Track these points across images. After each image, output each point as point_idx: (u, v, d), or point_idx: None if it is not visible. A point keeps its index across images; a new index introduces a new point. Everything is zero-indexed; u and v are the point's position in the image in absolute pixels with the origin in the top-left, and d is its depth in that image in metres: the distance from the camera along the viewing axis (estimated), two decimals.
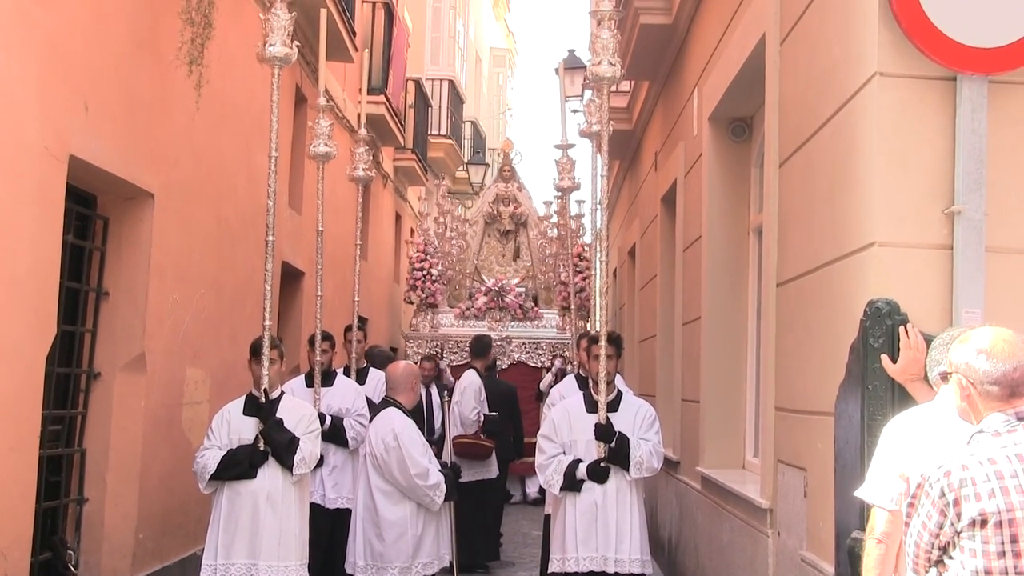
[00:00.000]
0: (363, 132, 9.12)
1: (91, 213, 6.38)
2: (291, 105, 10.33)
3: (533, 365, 13.68)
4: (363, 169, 8.84)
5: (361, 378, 8.55)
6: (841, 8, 4.49)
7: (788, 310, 5.33)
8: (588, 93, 9.44)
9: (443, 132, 19.90)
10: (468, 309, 14.21)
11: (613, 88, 6.51)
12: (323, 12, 7.92)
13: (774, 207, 5.62)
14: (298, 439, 6.06)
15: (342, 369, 8.48)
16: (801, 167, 5.12)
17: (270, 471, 5.99)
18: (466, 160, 22.24)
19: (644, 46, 9.65)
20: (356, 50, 11.85)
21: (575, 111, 14.98)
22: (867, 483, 3.31)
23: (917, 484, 2.76)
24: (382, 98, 13.99)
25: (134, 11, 6.26)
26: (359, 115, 9.37)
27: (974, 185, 3.95)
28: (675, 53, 9.42)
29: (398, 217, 17.96)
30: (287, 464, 5.99)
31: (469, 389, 10.10)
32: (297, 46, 6.32)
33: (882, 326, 3.97)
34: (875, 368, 3.97)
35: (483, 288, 14.30)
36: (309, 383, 7.73)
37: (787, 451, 5.29)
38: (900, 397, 3.86)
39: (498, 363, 13.49)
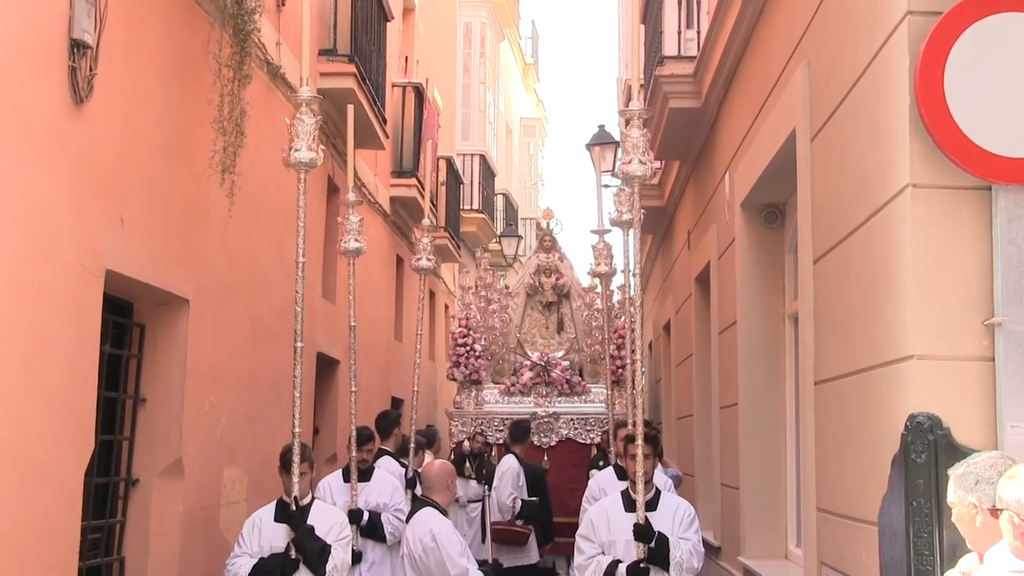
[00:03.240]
0: (426, 222, 9.16)
1: (127, 321, 6.42)
2: (323, 196, 10.41)
3: (582, 442, 13.33)
4: (427, 259, 8.95)
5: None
6: (871, 115, 4.47)
7: (826, 410, 5.25)
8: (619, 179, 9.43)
9: (475, 207, 19.95)
10: (513, 385, 13.98)
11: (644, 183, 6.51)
12: (350, 108, 7.93)
13: (809, 304, 5.57)
14: (330, 547, 6.02)
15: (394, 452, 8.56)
16: (836, 267, 5.07)
17: None
18: (499, 233, 22.26)
19: (674, 128, 9.68)
20: (387, 137, 11.95)
21: (606, 186, 14.98)
22: None
23: None
24: (413, 181, 14.09)
25: (167, 123, 6.35)
26: (426, 205, 9.51)
27: (1014, 296, 3.89)
28: (705, 135, 9.43)
29: (431, 294, 17.99)
30: (319, 573, 5.96)
31: (507, 475, 10.06)
32: (323, 150, 6.38)
33: (924, 441, 3.90)
34: (918, 484, 3.89)
35: (528, 363, 14.04)
36: (346, 478, 7.70)
37: (830, 554, 5.19)
38: (946, 516, 3.75)
39: (545, 440, 13.28)
